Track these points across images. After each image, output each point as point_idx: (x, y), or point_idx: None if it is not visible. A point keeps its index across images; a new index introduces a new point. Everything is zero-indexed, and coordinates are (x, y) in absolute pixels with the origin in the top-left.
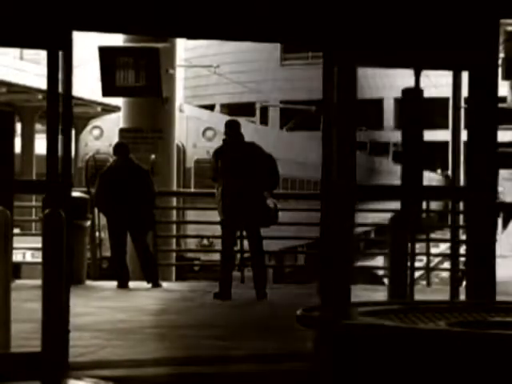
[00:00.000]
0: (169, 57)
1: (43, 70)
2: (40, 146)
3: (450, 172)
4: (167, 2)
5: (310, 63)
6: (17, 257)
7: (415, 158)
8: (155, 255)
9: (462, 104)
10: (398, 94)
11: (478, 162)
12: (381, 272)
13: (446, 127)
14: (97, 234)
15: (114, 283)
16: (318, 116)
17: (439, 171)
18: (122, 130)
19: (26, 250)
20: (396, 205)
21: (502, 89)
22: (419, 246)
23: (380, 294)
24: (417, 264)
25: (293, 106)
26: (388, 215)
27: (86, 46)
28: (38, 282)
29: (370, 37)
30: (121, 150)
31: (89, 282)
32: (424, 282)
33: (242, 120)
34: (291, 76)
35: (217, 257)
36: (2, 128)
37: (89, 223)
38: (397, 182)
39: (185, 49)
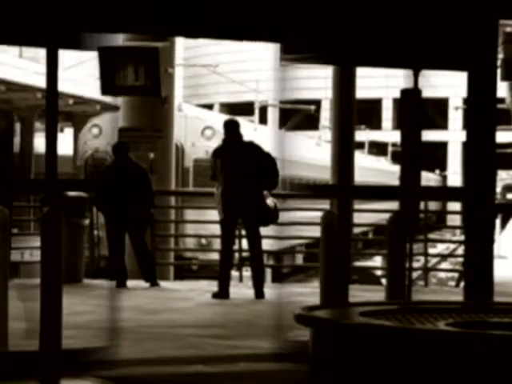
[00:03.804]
0: (168, 56)
1: (42, 68)
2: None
3: (447, 172)
4: (166, 1)
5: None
6: (15, 256)
7: (413, 159)
8: (153, 254)
9: (461, 105)
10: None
11: (477, 162)
12: (379, 272)
13: (445, 127)
14: (95, 232)
15: (112, 282)
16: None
17: (437, 171)
18: (120, 129)
19: (25, 249)
20: (394, 205)
21: (501, 89)
22: (417, 247)
23: (378, 295)
24: (415, 264)
25: (292, 105)
26: (386, 215)
27: None
28: (37, 281)
29: (369, 37)
30: (120, 148)
31: (86, 281)
32: (422, 283)
33: (240, 119)
34: (290, 76)
35: (215, 256)
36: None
37: (87, 222)
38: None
39: (184, 48)
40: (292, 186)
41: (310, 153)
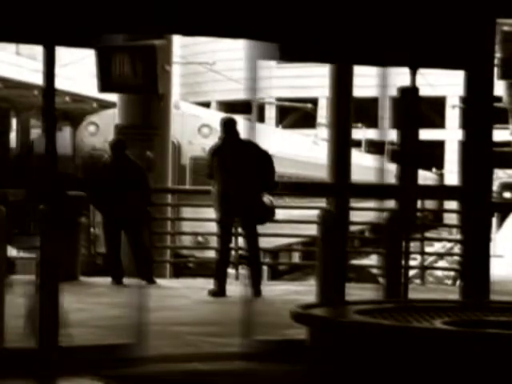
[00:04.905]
0: (165, 53)
1: (40, 65)
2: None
3: (444, 171)
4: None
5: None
6: (11, 252)
7: (411, 157)
8: (150, 252)
9: (458, 103)
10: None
11: (474, 161)
12: (375, 270)
13: (442, 126)
14: (91, 230)
15: (108, 279)
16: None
17: (434, 170)
18: (117, 127)
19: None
20: (391, 203)
21: (498, 88)
22: (414, 245)
23: (375, 293)
24: (411, 263)
25: (289, 103)
26: (383, 214)
27: None
28: (33, 277)
29: (368, 35)
30: (118, 146)
31: (83, 278)
32: (418, 281)
33: (238, 117)
34: (288, 74)
35: (212, 254)
36: None
37: (84, 220)
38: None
39: (181, 45)
40: (289, 184)
41: (306, 151)
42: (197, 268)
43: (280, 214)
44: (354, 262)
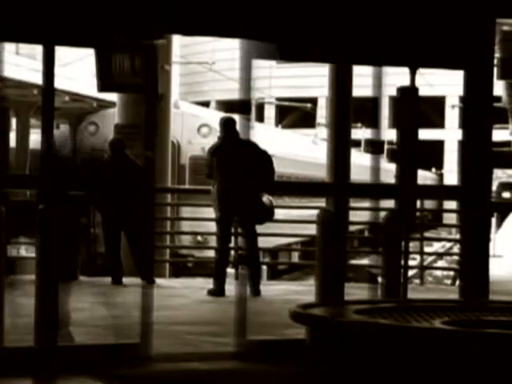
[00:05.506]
0: (165, 53)
1: (39, 64)
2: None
3: (444, 171)
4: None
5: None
6: (11, 252)
7: (410, 157)
8: (152, 252)
9: (458, 103)
10: None
11: (474, 161)
12: (375, 270)
13: (442, 126)
14: (91, 230)
15: (108, 279)
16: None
17: (433, 170)
18: (116, 126)
19: (21, 244)
20: (390, 203)
21: (498, 88)
22: (413, 245)
23: (374, 293)
24: (411, 263)
25: (289, 103)
26: (382, 213)
27: None
28: (33, 277)
29: (367, 35)
30: (117, 146)
31: (83, 278)
32: (418, 281)
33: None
34: (288, 74)
35: (211, 253)
36: None
37: (84, 220)
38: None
39: (180, 45)
40: (289, 184)
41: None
42: (196, 267)
43: (279, 213)
44: (354, 261)
